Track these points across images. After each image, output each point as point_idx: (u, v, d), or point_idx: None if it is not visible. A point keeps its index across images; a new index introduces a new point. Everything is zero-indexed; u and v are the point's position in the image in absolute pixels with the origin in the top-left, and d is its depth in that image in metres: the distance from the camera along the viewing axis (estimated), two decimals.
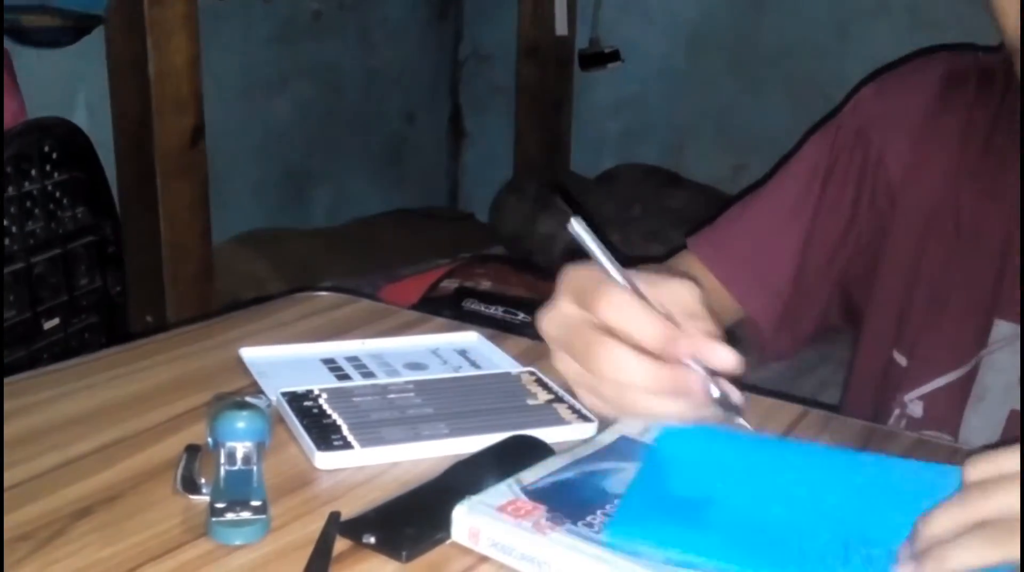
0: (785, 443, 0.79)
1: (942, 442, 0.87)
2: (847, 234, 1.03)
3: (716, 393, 0.70)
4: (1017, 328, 0.95)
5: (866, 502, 0.70)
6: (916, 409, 0.99)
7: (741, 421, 0.73)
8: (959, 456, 0.82)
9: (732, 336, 1.02)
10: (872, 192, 1.01)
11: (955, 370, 0.97)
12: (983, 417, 0.95)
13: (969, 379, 0.97)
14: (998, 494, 0.60)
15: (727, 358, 0.66)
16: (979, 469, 0.62)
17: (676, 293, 0.69)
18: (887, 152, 1.00)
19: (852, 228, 1.02)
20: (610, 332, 0.67)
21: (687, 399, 0.69)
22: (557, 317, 0.69)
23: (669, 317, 0.68)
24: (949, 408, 0.97)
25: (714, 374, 0.70)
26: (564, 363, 0.68)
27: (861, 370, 1.09)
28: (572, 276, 0.69)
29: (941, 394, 0.98)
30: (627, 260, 0.75)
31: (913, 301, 1.01)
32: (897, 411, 1.00)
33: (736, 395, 0.72)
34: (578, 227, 0.67)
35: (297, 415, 0.81)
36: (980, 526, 0.59)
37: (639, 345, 0.68)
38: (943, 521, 0.61)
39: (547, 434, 0.80)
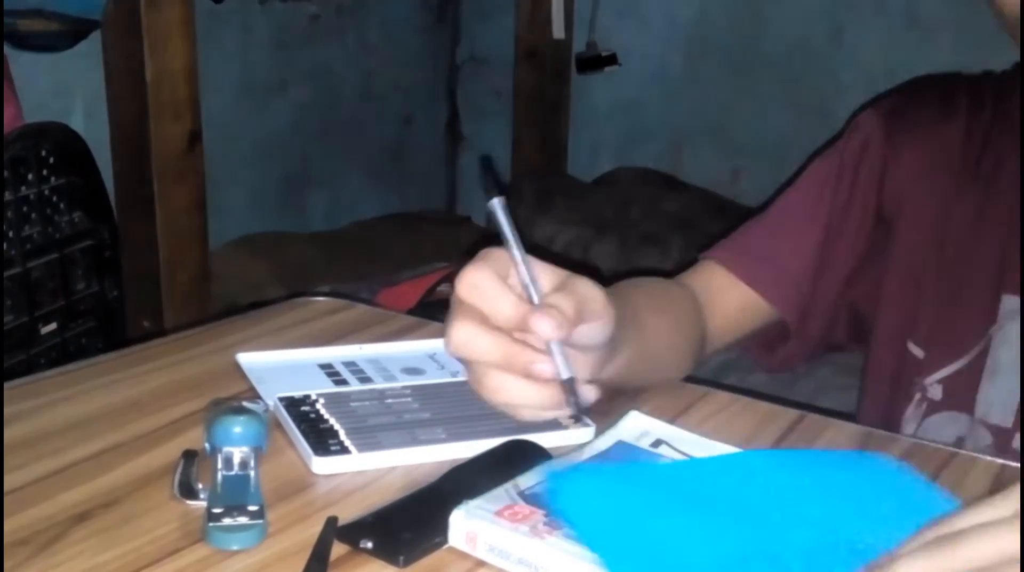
0: (682, 462, 0.76)
1: (940, 447, 0.87)
2: (852, 250, 1.07)
3: (564, 374, 0.71)
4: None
5: (809, 498, 0.69)
6: (936, 392, 1.03)
7: (586, 420, 0.76)
8: (957, 460, 0.82)
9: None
10: (877, 212, 1.06)
11: (969, 352, 1.01)
12: (998, 390, 1.00)
13: (982, 356, 1.01)
14: (969, 545, 0.57)
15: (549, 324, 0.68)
16: (958, 520, 0.59)
17: (580, 285, 0.72)
18: (892, 162, 1.05)
19: (861, 233, 1.06)
20: (470, 310, 0.70)
21: (537, 384, 0.71)
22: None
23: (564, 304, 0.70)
24: (966, 386, 1.01)
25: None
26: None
27: (876, 367, 1.12)
28: (477, 256, 0.72)
29: (958, 375, 1.02)
30: (627, 271, 0.76)
31: (923, 294, 1.05)
32: (918, 395, 1.04)
33: (587, 392, 0.73)
34: (498, 207, 0.70)
35: (294, 420, 0.81)
36: None
37: (495, 324, 0.70)
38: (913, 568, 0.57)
39: (544, 439, 0.80)
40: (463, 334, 0.70)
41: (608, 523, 0.65)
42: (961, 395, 1.01)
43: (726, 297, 1.04)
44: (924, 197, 1.05)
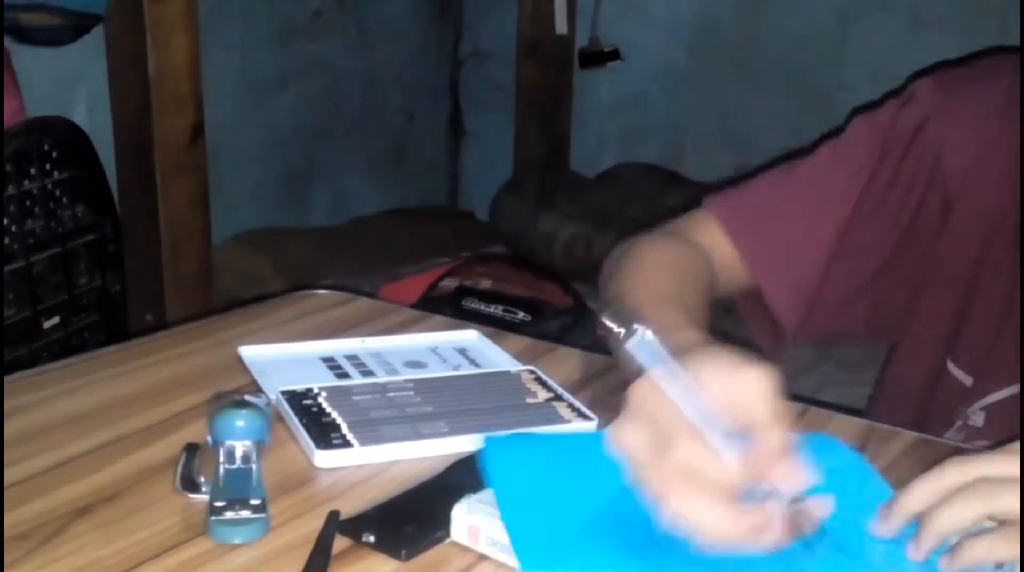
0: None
1: (944, 442, 0.87)
2: (885, 239, 0.99)
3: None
4: None
5: None
6: (978, 419, 0.97)
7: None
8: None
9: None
10: (922, 200, 0.97)
11: (1017, 381, 0.94)
12: None
13: None
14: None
15: (798, 479, 0.62)
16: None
17: (747, 390, 0.64)
18: (945, 154, 0.95)
19: (892, 234, 0.98)
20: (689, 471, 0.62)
21: (769, 532, 0.63)
22: (633, 441, 0.63)
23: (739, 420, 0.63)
24: (1010, 417, 0.94)
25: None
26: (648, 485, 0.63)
27: (903, 377, 1.05)
28: (641, 396, 0.63)
29: (1004, 404, 0.96)
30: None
31: (971, 312, 0.97)
32: (959, 422, 0.98)
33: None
34: (648, 339, 0.61)
35: (296, 413, 0.81)
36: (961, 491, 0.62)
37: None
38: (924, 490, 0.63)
39: (547, 432, 0.80)
40: (696, 510, 0.61)
41: (527, 494, 0.65)
42: (1005, 424, 0.94)
43: (726, 261, 1.00)
44: (974, 205, 0.95)
